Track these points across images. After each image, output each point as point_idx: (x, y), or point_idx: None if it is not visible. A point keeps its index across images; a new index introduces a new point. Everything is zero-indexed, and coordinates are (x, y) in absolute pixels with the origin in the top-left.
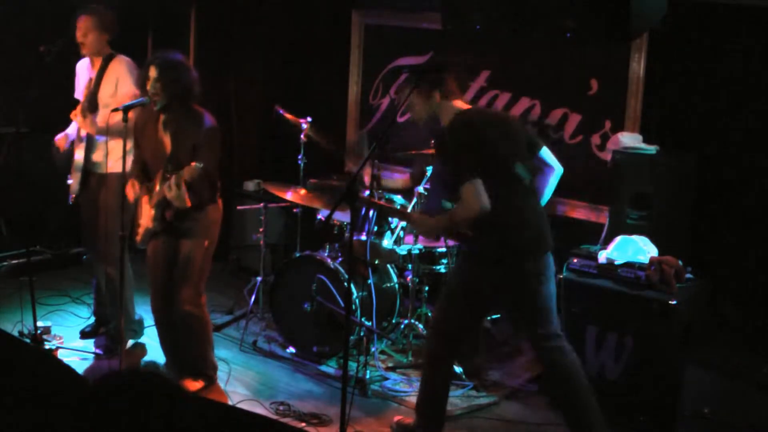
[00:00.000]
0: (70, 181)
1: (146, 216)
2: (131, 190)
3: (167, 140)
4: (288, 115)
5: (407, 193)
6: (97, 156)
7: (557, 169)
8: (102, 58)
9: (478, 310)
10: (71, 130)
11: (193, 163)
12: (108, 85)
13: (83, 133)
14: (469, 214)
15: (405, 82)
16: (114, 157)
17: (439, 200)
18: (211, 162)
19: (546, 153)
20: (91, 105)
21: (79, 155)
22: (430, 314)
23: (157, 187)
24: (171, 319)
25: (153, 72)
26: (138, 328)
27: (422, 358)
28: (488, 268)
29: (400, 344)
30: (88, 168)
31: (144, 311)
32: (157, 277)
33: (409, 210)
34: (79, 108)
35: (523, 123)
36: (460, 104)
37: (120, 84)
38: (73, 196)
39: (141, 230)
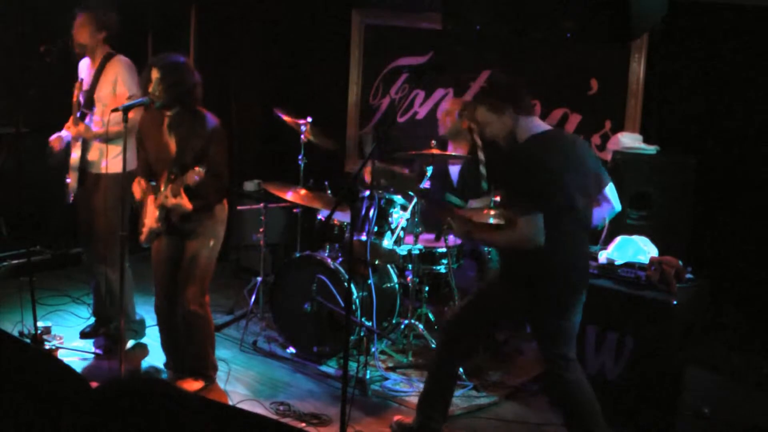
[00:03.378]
0: (68, 180)
1: (151, 216)
2: (138, 188)
3: (172, 143)
4: (286, 118)
5: (406, 191)
6: (93, 156)
7: (615, 208)
8: (101, 57)
9: (495, 318)
10: (66, 131)
11: (197, 168)
12: (106, 85)
13: None
14: (520, 245)
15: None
16: (111, 156)
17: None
18: (221, 161)
19: (611, 190)
20: (87, 104)
21: (75, 154)
22: (430, 314)
23: (162, 188)
24: (174, 318)
25: (155, 73)
26: (139, 329)
27: (431, 356)
28: (521, 288)
29: (400, 344)
30: (85, 167)
31: (145, 311)
32: (161, 275)
33: (409, 209)
34: (71, 120)
35: (596, 154)
36: (539, 122)
37: (119, 84)
38: (73, 195)
39: (145, 230)
